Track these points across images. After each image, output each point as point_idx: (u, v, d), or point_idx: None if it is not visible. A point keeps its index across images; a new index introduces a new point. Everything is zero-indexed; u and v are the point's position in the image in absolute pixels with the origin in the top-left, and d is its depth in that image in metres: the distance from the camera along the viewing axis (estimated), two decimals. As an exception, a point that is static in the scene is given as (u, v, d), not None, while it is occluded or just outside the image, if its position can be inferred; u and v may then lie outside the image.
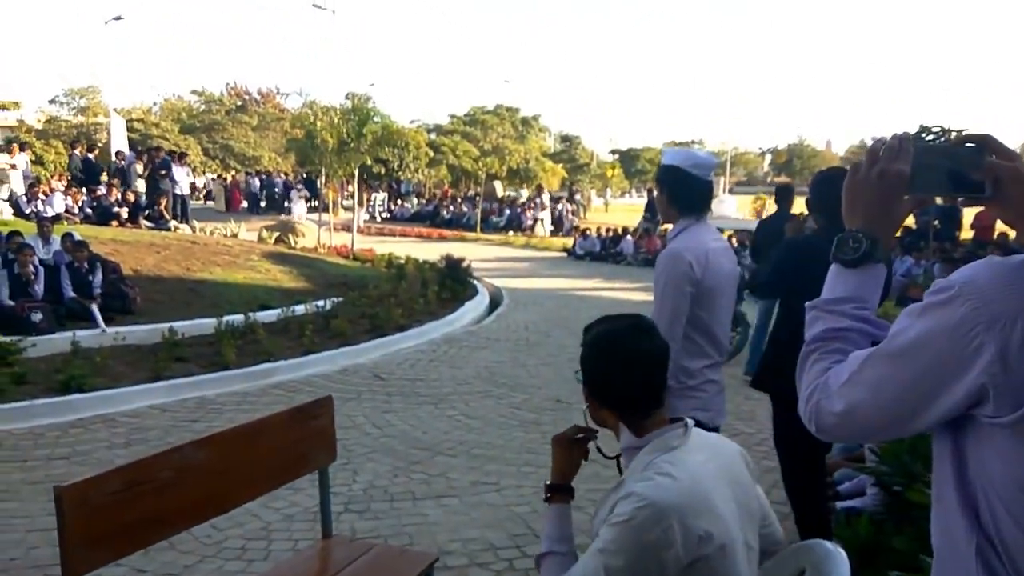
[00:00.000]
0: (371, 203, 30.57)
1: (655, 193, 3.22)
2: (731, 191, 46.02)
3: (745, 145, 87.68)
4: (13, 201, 13.31)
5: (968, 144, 1.09)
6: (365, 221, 23.55)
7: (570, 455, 1.87)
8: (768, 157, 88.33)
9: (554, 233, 25.38)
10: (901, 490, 3.22)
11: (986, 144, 1.08)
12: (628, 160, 52.62)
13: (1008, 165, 1.06)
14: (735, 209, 34.43)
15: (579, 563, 1.58)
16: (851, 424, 1.05)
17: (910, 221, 16.29)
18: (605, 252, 18.96)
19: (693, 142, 71.34)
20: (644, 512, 1.47)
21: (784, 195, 7.58)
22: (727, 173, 48.27)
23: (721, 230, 5.22)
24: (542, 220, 25.86)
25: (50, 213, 12.82)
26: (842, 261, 1.16)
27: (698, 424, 2.64)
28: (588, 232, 20.66)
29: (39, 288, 7.86)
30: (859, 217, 1.15)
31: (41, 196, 14.23)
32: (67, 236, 9.03)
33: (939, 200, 1.25)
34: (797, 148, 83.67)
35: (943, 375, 0.95)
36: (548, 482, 1.87)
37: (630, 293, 13.01)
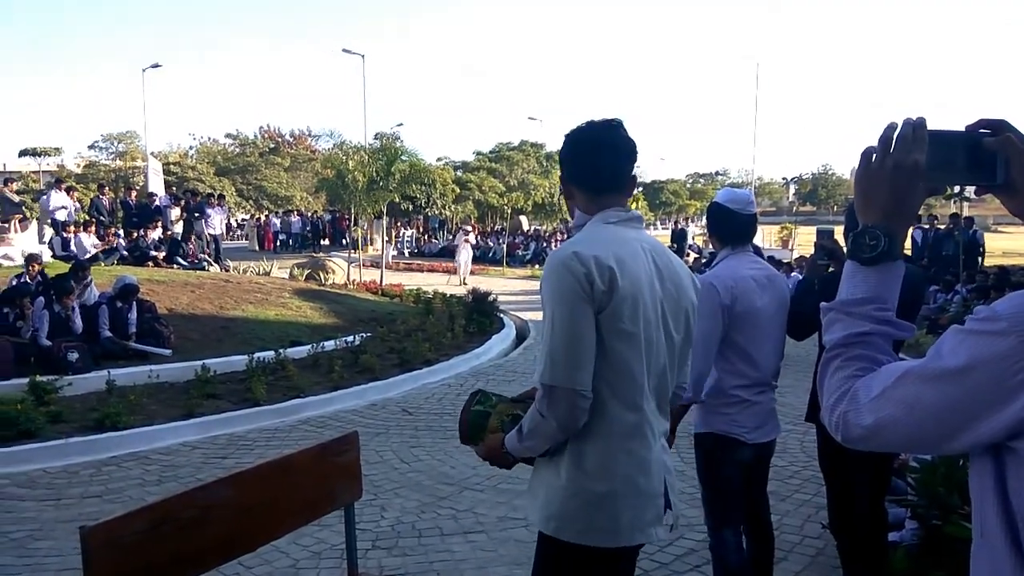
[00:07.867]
0: (399, 239, 30.91)
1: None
2: (757, 221, 45.58)
3: (770, 175, 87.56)
4: (52, 244, 13.64)
5: (983, 130, 1.05)
6: (393, 257, 23.75)
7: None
8: (793, 187, 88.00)
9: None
10: (939, 524, 3.13)
11: (1002, 130, 1.04)
12: (652, 192, 52.62)
13: (1017, 148, 1.02)
14: (761, 239, 34.20)
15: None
16: (879, 439, 1.02)
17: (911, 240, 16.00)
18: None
19: (717, 173, 71.16)
20: (569, 255, 1.74)
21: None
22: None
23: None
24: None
25: (87, 255, 13.12)
26: (859, 259, 1.11)
27: (731, 440, 2.76)
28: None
29: (78, 323, 8.00)
30: (874, 211, 1.10)
31: (82, 236, 14.54)
32: (124, 279, 8.91)
33: (950, 189, 1.21)
34: (822, 177, 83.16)
35: (984, 404, 0.92)
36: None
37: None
